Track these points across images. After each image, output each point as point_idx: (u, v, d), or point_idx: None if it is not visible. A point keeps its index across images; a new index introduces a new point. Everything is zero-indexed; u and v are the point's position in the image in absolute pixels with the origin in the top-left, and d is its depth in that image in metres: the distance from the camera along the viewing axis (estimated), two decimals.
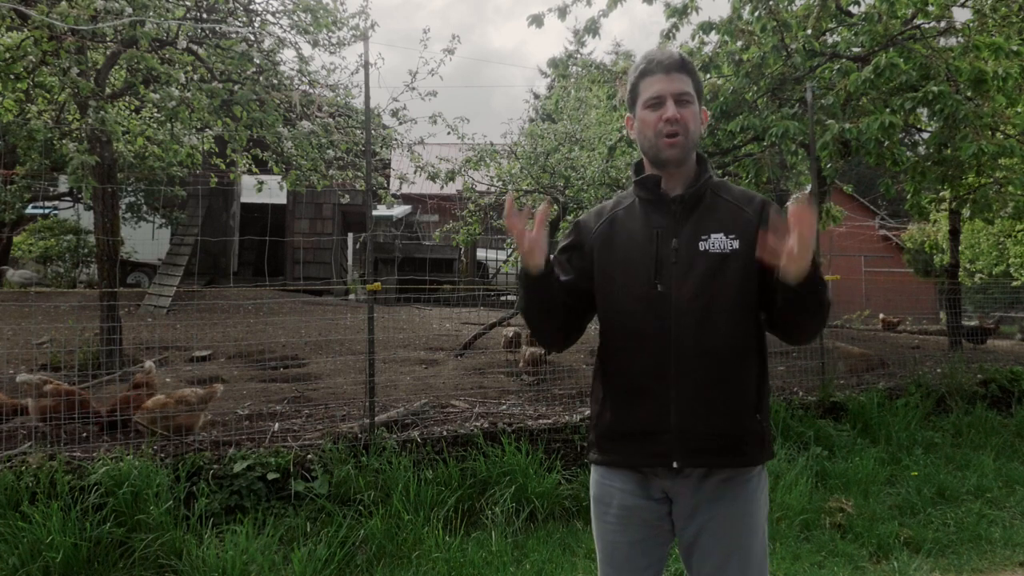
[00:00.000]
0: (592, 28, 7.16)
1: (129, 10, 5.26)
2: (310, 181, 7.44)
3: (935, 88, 5.91)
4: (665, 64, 1.87)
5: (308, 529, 3.97)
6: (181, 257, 11.89)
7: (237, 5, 6.94)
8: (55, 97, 7.16)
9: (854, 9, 7.15)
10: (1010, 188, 8.43)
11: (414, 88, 7.55)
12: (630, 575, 1.91)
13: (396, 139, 7.88)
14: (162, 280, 11.13)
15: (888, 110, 6.11)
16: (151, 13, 5.45)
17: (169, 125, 7.03)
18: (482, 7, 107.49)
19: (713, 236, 1.83)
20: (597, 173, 8.08)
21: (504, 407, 5.58)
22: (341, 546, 3.81)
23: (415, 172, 8.30)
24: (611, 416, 1.91)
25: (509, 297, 11.57)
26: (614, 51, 29.17)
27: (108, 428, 4.72)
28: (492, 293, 12.11)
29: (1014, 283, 14.42)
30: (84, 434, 4.73)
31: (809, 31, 6.78)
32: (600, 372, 1.98)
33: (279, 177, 7.96)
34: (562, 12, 7.02)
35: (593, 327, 2.04)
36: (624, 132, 7.42)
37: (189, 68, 6.45)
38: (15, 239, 13.69)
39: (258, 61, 6.70)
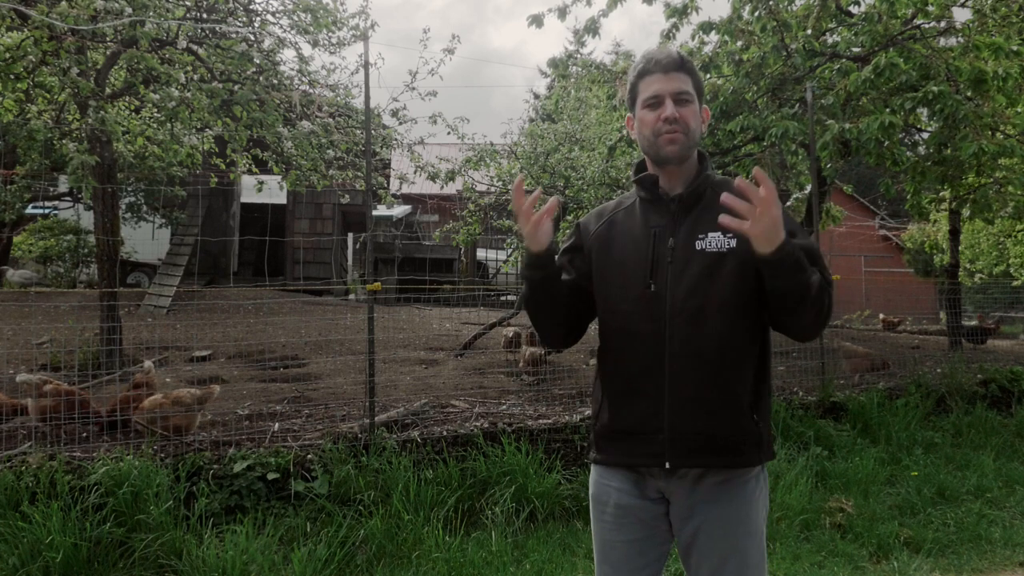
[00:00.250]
0: (592, 28, 7.16)
1: (129, 10, 5.26)
2: (310, 181, 7.43)
3: (935, 88, 5.90)
4: (664, 64, 1.87)
5: (308, 529, 3.97)
6: (181, 257, 11.89)
7: (237, 5, 6.93)
8: (55, 97, 7.16)
9: (854, 9, 7.15)
10: (1010, 188, 8.43)
11: (414, 88, 7.55)
12: (627, 575, 1.91)
13: (396, 139, 7.87)
14: (162, 280, 11.13)
15: (888, 110, 6.11)
16: (151, 13, 5.45)
17: (169, 125, 7.03)
18: (482, 7, 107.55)
19: (711, 235, 1.82)
20: (597, 173, 8.07)
21: (504, 407, 5.58)
22: (341, 546, 3.81)
23: (415, 172, 8.30)
24: (608, 416, 1.92)
25: (509, 297, 11.57)
26: (614, 51, 29.18)
27: (108, 428, 4.72)
28: (492, 293, 12.11)
29: (1014, 283, 14.43)
30: (84, 434, 4.73)
31: (809, 31, 6.78)
32: (599, 372, 1.99)
33: (279, 177, 7.96)
34: (562, 12, 7.02)
35: (593, 327, 2.05)
36: (624, 132, 7.42)
37: (189, 68, 6.45)
38: (15, 239, 13.69)
39: (258, 61, 6.70)
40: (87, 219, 12.96)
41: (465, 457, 4.54)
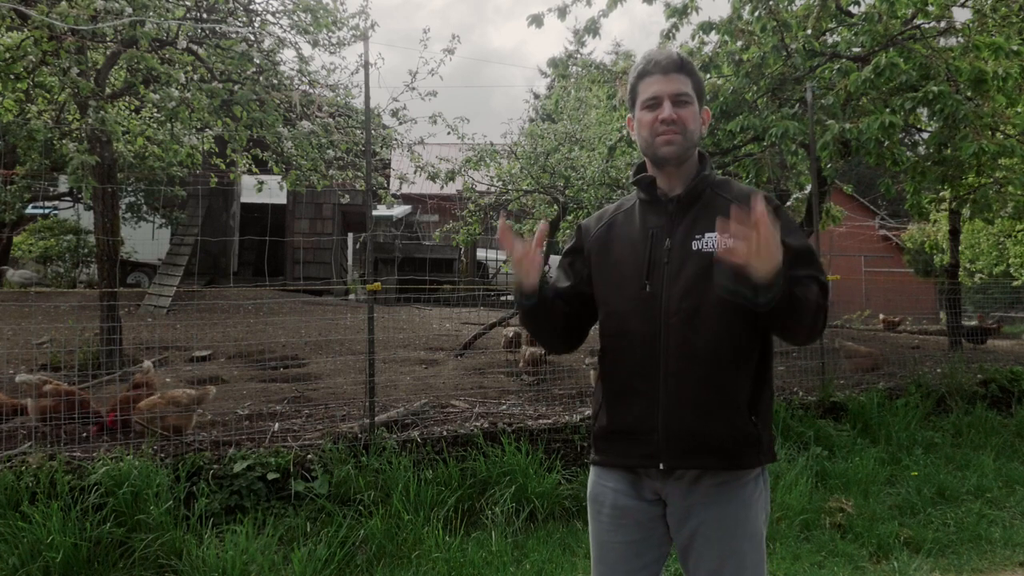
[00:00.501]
0: (592, 28, 7.16)
1: (129, 10, 5.26)
2: (310, 181, 7.43)
3: (935, 88, 5.90)
4: (663, 65, 1.87)
5: (308, 529, 3.97)
6: (181, 257, 11.89)
7: (237, 5, 6.93)
8: (55, 97, 7.16)
9: (854, 9, 7.15)
10: (1010, 188, 8.43)
11: (414, 88, 7.54)
12: None
13: (396, 139, 7.87)
14: (162, 280, 11.13)
15: (888, 110, 6.11)
16: (151, 13, 5.45)
17: (169, 125, 7.03)
18: (482, 7, 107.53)
19: (707, 235, 1.82)
20: (597, 173, 8.07)
21: (504, 407, 5.58)
22: (341, 546, 3.81)
23: (415, 172, 8.30)
24: (605, 417, 1.93)
25: (509, 297, 11.56)
26: (614, 51, 29.17)
27: (107, 428, 4.72)
28: (492, 293, 12.11)
29: (1014, 283, 14.42)
30: (84, 434, 4.73)
31: (809, 31, 6.78)
32: (599, 373, 2.00)
33: (279, 177, 7.96)
34: (562, 12, 7.02)
35: (594, 330, 2.05)
36: (624, 132, 7.43)
37: (189, 68, 6.45)
38: (15, 239, 13.69)
39: (258, 61, 6.70)
40: (87, 219, 12.95)
41: (465, 457, 4.54)
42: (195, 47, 6.53)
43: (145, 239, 13.43)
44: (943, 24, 6.75)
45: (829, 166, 7.36)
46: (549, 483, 4.48)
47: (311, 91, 7.31)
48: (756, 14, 6.85)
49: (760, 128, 6.66)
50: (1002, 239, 14.33)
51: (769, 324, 1.77)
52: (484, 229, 9.69)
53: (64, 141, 6.58)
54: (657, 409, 1.81)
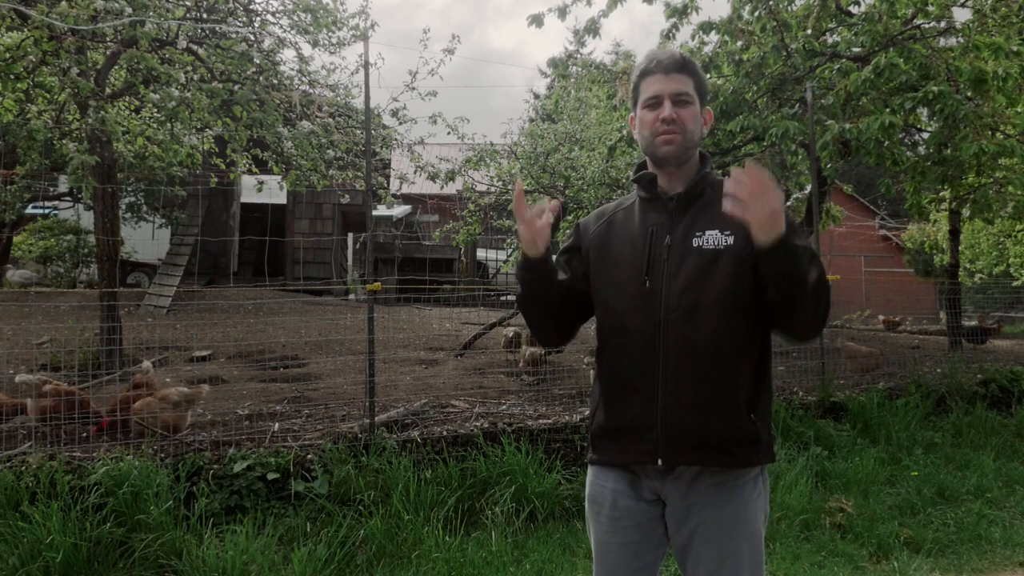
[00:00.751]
0: (592, 28, 7.16)
1: (129, 10, 5.26)
2: (310, 181, 7.43)
3: (935, 88, 5.90)
4: (665, 64, 1.88)
5: (308, 529, 3.97)
6: (181, 257, 11.89)
7: (237, 5, 6.93)
8: (55, 97, 7.16)
9: (854, 9, 7.15)
10: (1010, 188, 8.43)
11: (414, 88, 7.55)
12: None
13: (396, 139, 7.87)
14: (162, 280, 11.13)
15: (888, 110, 6.11)
16: (151, 13, 5.45)
17: (169, 125, 7.03)
18: (482, 7, 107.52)
19: (708, 233, 1.82)
20: (597, 173, 8.07)
21: (504, 407, 5.58)
22: (341, 546, 3.81)
23: (415, 172, 8.30)
24: (603, 414, 1.92)
25: (509, 297, 11.56)
26: (614, 51, 29.17)
27: (106, 429, 4.72)
28: (492, 293, 12.11)
29: (1014, 283, 14.42)
30: (84, 434, 4.73)
31: (809, 31, 6.77)
32: (597, 372, 2.00)
33: (279, 177, 7.96)
34: (562, 12, 7.02)
35: (591, 327, 2.05)
36: (624, 132, 7.43)
37: (189, 68, 6.45)
38: (15, 239, 13.69)
39: (258, 61, 6.70)
40: (87, 219, 12.96)
41: (465, 457, 4.54)
42: (195, 47, 6.53)
43: (145, 239, 13.43)
44: (943, 24, 6.75)
45: (829, 166, 7.36)
46: (549, 483, 4.47)
47: (311, 91, 7.31)
48: (756, 14, 6.85)
49: (760, 128, 6.66)
50: (1002, 239, 14.33)
51: (775, 302, 1.73)
52: (484, 229, 9.69)
53: (64, 141, 6.58)
54: (656, 406, 1.81)
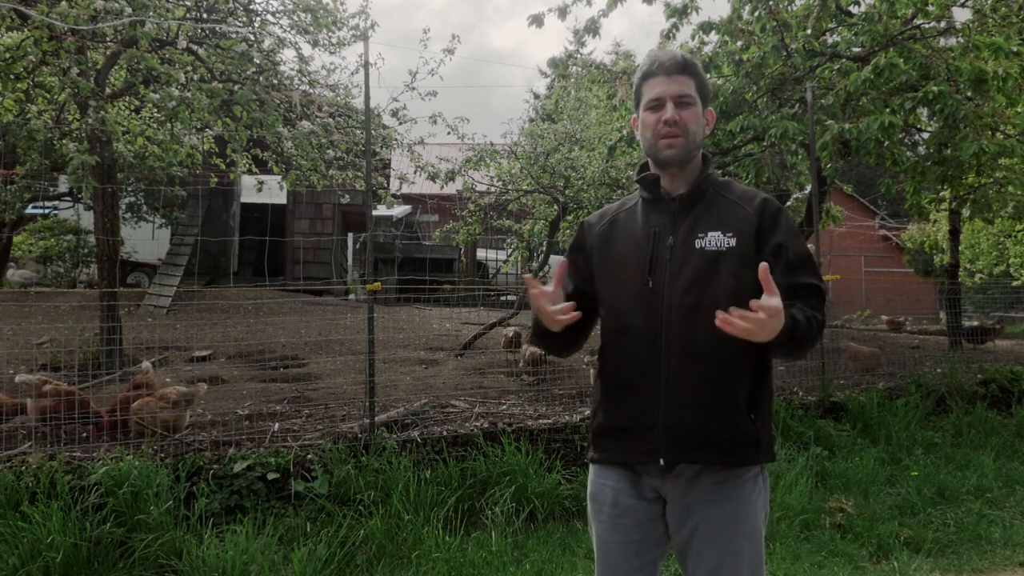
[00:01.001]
0: (592, 28, 7.16)
1: (129, 10, 5.26)
2: (310, 181, 7.43)
3: (935, 88, 5.90)
4: (667, 66, 1.88)
5: (308, 529, 3.97)
6: (181, 257, 11.89)
7: (237, 5, 6.93)
8: (55, 97, 7.16)
9: (854, 9, 7.15)
10: (1010, 188, 8.43)
11: (414, 88, 7.53)
12: (624, 575, 1.91)
13: (396, 139, 7.86)
14: (162, 280, 11.13)
15: (888, 110, 6.11)
16: (151, 13, 5.45)
17: (169, 125, 7.03)
18: (482, 7, 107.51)
19: (711, 234, 1.84)
20: (597, 173, 8.06)
21: (504, 407, 5.58)
22: (341, 546, 3.81)
23: (415, 172, 8.29)
24: (604, 413, 1.94)
25: (509, 297, 11.56)
26: (614, 51, 29.21)
27: (105, 429, 4.72)
28: (492, 293, 12.11)
29: (1014, 283, 14.42)
30: (84, 434, 4.73)
31: (809, 31, 6.77)
32: (599, 371, 2.01)
33: (279, 177, 7.96)
34: (562, 12, 7.02)
35: (595, 328, 2.06)
36: (624, 132, 7.43)
37: (189, 68, 6.45)
38: (15, 239, 13.68)
39: (258, 61, 6.70)
40: (87, 219, 12.96)
41: (465, 457, 4.54)
42: (195, 47, 6.53)
43: (145, 239, 13.43)
44: (943, 24, 6.75)
45: (829, 166, 7.37)
46: (549, 483, 4.48)
47: (311, 91, 7.30)
48: (756, 14, 6.85)
49: (760, 128, 6.66)
50: (1002, 239, 14.33)
51: (775, 354, 1.86)
52: (484, 229, 9.68)
53: (64, 141, 6.57)
54: (657, 406, 1.82)
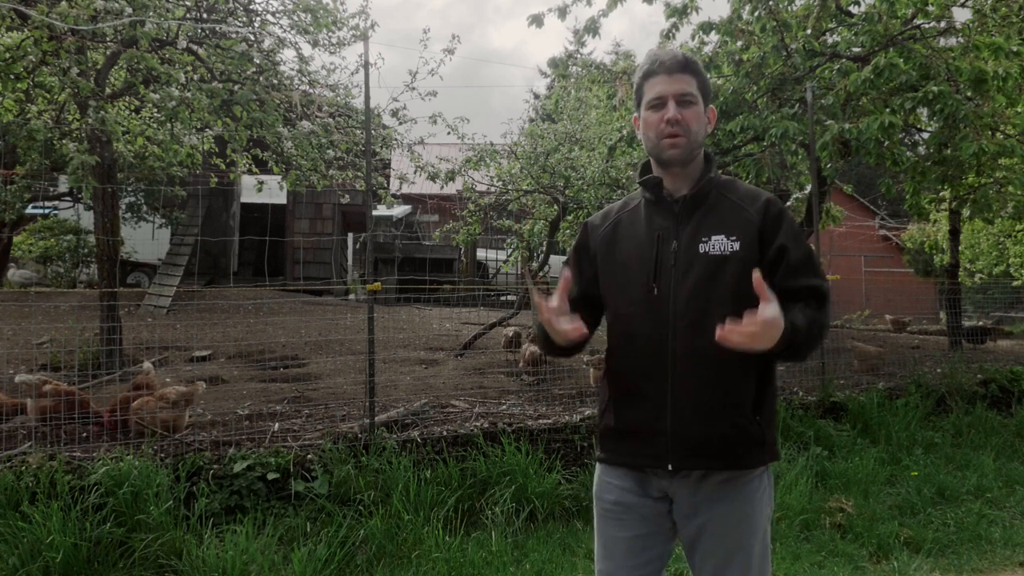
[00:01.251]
0: (592, 28, 7.16)
1: (129, 10, 5.26)
2: (310, 181, 7.43)
3: (935, 88, 5.90)
4: (668, 65, 1.88)
5: (308, 529, 3.97)
6: (181, 257, 11.89)
7: (237, 5, 6.93)
8: (55, 97, 7.16)
9: (854, 9, 7.15)
10: (1010, 188, 8.43)
11: (414, 88, 7.53)
12: (629, 572, 1.92)
13: (396, 139, 7.86)
14: (162, 280, 11.13)
15: (888, 110, 6.11)
16: (151, 13, 5.45)
17: (169, 125, 7.03)
18: (482, 7, 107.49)
19: (714, 238, 1.84)
20: (597, 173, 8.06)
21: (504, 407, 5.58)
22: (341, 546, 3.81)
23: (415, 172, 8.28)
24: (612, 417, 1.94)
25: (509, 297, 11.56)
26: (614, 51, 29.21)
27: (106, 429, 4.72)
28: (492, 293, 12.11)
29: (1014, 283, 14.41)
30: (84, 434, 4.73)
31: (809, 31, 6.77)
32: (605, 372, 2.01)
33: (279, 177, 7.96)
34: (562, 12, 7.02)
35: (601, 329, 2.06)
36: (624, 132, 7.43)
37: (189, 68, 6.45)
38: (15, 239, 13.68)
39: (258, 61, 6.70)
40: (87, 219, 12.95)
41: (465, 457, 4.54)
42: (195, 47, 6.53)
43: (145, 239, 13.43)
44: (943, 24, 6.75)
45: (829, 166, 7.36)
46: (549, 483, 4.47)
47: (311, 91, 7.30)
48: (756, 14, 6.85)
49: (760, 128, 6.66)
50: (1002, 239, 14.33)
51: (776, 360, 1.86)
52: (484, 229, 9.68)
53: (64, 141, 6.58)
54: (666, 412, 1.83)
